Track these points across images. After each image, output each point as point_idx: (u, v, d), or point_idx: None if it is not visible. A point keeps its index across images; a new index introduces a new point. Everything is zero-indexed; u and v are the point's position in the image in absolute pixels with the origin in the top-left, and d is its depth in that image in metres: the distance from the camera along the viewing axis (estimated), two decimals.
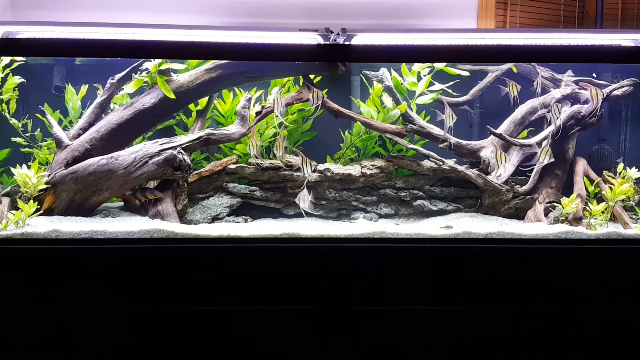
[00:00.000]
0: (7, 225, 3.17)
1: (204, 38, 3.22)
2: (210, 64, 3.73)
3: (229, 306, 3.13)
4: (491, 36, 3.42)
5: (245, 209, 3.79)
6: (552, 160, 3.70)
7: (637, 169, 3.64)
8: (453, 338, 3.19)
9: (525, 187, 3.78)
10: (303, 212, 3.49)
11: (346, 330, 3.17)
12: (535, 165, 3.77)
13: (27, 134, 3.81)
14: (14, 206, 3.37)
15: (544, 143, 3.76)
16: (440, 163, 3.78)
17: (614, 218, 3.57)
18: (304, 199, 3.48)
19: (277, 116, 3.59)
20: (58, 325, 3.09)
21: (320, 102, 3.65)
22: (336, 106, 3.79)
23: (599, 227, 3.43)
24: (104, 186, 3.45)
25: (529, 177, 3.81)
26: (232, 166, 3.79)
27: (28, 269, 3.07)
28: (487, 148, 3.90)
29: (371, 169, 3.80)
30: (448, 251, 3.19)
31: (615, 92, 3.90)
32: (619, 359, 3.23)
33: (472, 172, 3.75)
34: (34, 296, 3.08)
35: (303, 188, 3.51)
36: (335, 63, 3.67)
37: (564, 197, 3.60)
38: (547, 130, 3.80)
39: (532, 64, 3.97)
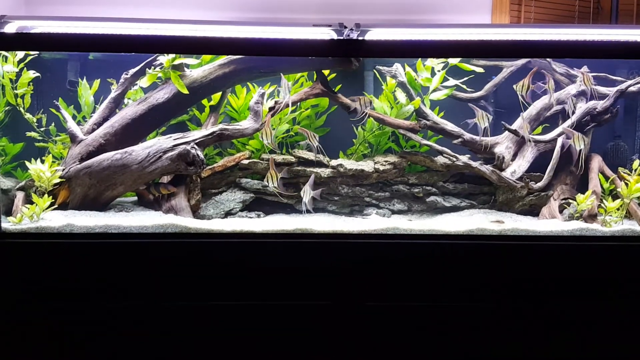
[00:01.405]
0: (22, 220, 3.19)
1: (217, 33, 3.21)
2: (223, 59, 3.72)
3: (242, 301, 3.14)
4: (506, 31, 3.39)
5: (258, 204, 3.79)
6: (587, 144, 3.68)
7: None
8: (466, 334, 3.18)
9: (539, 184, 3.76)
10: (303, 205, 3.48)
11: (358, 326, 3.17)
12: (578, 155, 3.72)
13: (42, 129, 3.82)
14: (28, 200, 3.39)
15: (558, 137, 3.73)
16: (454, 159, 3.77)
17: (629, 215, 3.55)
18: (307, 193, 3.48)
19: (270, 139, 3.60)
20: (71, 319, 3.11)
21: (368, 108, 3.65)
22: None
23: (614, 224, 3.41)
24: (117, 181, 3.46)
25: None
26: (245, 161, 3.79)
27: (42, 263, 3.09)
28: (502, 144, 3.88)
29: (384, 165, 3.79)
30: (461, 248, 3.18)
31: (631, 89, 3.86)
32: (633, 356, 3.22)
33: (486, 169, 3.73)
34: (48, 290, 3.09)
35: (310, 181, 3.50)
36: (348, 58, 3.65)
37: (579, 193, 3.58)
38: (562, 127, 3.76)
39: (547, 59, 3.94)
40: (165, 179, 3.65)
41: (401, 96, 3.89)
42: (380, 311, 3.17)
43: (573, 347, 3.19)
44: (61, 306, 3.11)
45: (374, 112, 3.82)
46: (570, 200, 3.65)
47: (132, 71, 3.73)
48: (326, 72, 3.78)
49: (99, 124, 3.66)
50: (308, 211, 3.48)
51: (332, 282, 3.15)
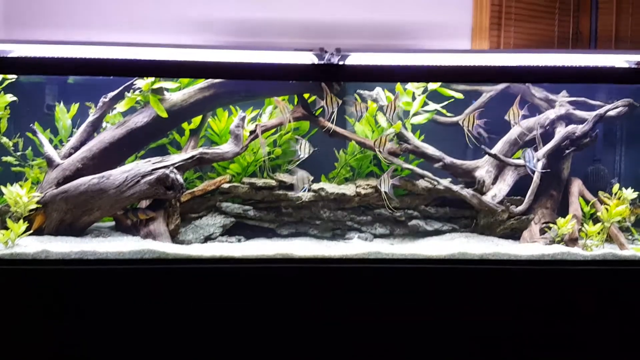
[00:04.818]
0: None
1: (198, 57, 3.21)
2: (203, 82, 3.71)
3: (222, 327, 3.09)
4: (485, 57, 3.43)
5: (239, 228, 3.75)
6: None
7: (632, 190, 3.63)
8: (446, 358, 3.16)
9: (520, 208, 3.76)
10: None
11: (341, 350, 3.13)
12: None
13: (18, 153, 3.77)
14: (3, 226, 3.32)
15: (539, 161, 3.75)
16: (435, 183, 3.76)
17: (610, 239, 3.56)
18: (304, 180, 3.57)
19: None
20: (45, 346, 3.04)
21: (365, 113, 3.66)
22: (331, 125, 3.77)
23: (595, 248, 3.41)
24: (94, 206, 3.41)
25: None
26: (226, 185, 3.76)
27: (17, 290, 3.02)
28: (482, 168, 3.88)
29: (366, 189, 3.78)
30: (443, 272, 3.16)
31: (610, 113, 3.89)
32: None
33: (467, 192, 3.73)
34: (22, 317, 3.02)
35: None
36: (329, 82, 3.65)
37: (560, 217, 3.58)
38: (542, 151, 3.78)
39: (527, 84, 3.98)
40: (144, 203, 3.61)
41: (382, 120, 3.90)
42: (362, 335, 3.13)
43: None
44: (36, 333, 3.03)
45: (356, 136, 3.82)
46: (551, 224, 3.66)
47: (110, 95, 3.71)
48: (306, 95, 3.78)
49: (76, 148, 3.63)
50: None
51: (313, 307, 3.11)
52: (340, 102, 3.54)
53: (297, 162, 3.58)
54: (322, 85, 3.52)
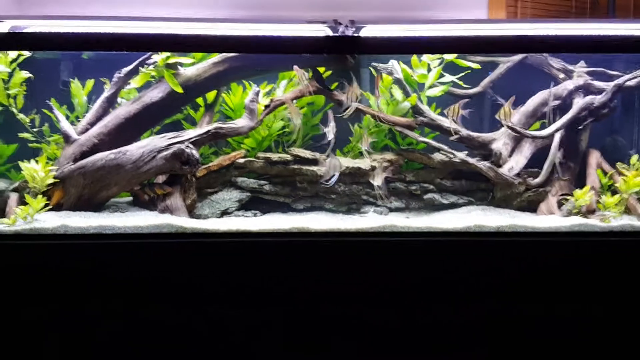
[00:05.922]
0: (16, 221, 3.16)
1: (211, 31, 3.18)
2: (217, 57, 3.69)
3: (238, 302, 3.11)
4: (502, 27, 3.37)
5: (255, 203, 3.76)
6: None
7: None
8: (463, 334, 3.16)
9: (537, 180, 3.74)
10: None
11: (357, 325, 3.15)
12: None
13: (35, 129, 3.79)
14: (23, 202, 3.35)
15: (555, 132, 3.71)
16: (451, 156, 3.74)
17: (628, 210, 3.53)
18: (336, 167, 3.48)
19: None
20: (65, 322, 3.08)
21: (354, 102, 3.59)
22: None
23: (613, 220, 3.38)
24: (112, 181, 3.43)
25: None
26: (241, 160, 3.76)
27: (36, 265, 3.06)
28: (499, 140, 3.85)
29: (381, 163, 3.76)
30: (459, 245, 3.16)
31: (629, 83, 3.84)
32: (633, 354, 3.20)
33: (484, 165, 3.71)
34: (42, 292, 3.06)
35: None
36: (344, 55, 3.62)
37: (577, 189, 3.55)
38: (560, 122, 3.73)
39: (544, 54, 3.92)
40: (161, 178, 3.62)
41: (397, 93, 3.87)
42: (378, 310, 3.14)
43: (572, 346, 3.17)
44: (56, 308, 3.07)
45: (371, 110, 3.80)
46: (569, 196, 3.63)
47: (125, 70, 3.70)
48: (321, 69, 3.75)
49: (92, 124, 3.63)
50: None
51: (329, 281, 3.12)
52: (359, 96, 3.57)
53: (330, 147, 3.54)
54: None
